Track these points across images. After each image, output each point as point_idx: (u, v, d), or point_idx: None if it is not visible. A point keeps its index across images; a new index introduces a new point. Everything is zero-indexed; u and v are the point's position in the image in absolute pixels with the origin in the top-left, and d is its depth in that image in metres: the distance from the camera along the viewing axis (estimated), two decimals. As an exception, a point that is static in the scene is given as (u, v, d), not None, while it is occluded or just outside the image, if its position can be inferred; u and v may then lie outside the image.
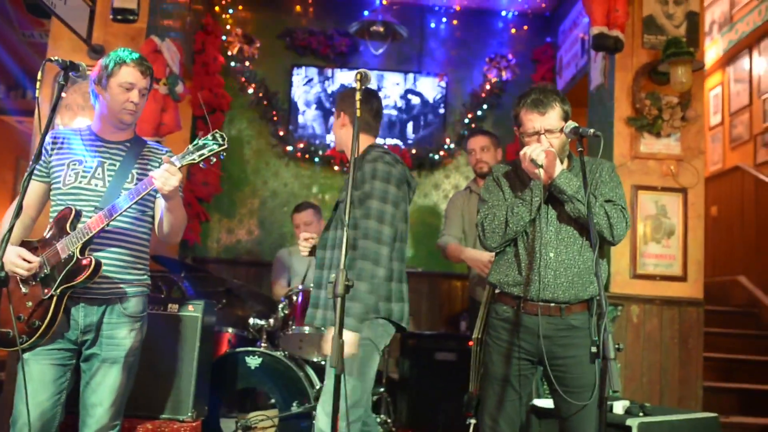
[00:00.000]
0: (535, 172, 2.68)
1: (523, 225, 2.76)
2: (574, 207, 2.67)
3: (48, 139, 2.84)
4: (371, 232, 2.82)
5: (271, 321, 4.10)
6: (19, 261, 2.57)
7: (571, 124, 2.64)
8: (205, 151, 2.57)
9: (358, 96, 2.44)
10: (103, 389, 2.73)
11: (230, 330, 4.41)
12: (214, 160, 2.59)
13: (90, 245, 2.65)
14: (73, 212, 2.68)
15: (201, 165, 2.61)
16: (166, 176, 2.54)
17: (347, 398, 2.74)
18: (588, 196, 2.45)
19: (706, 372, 4.64)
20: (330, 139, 6.43)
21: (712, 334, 5.32)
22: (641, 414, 3.19)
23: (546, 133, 2.72)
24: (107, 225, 2.63)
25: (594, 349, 2.17)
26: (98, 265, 2.61)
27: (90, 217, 2.66)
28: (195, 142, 2.59)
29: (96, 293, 2.71)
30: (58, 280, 2.60)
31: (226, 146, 2.57)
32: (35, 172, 2.76)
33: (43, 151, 2.80)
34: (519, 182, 2.88)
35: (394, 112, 6.56)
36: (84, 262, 2.60)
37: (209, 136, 2.57)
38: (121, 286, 2.77)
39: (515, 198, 2.81)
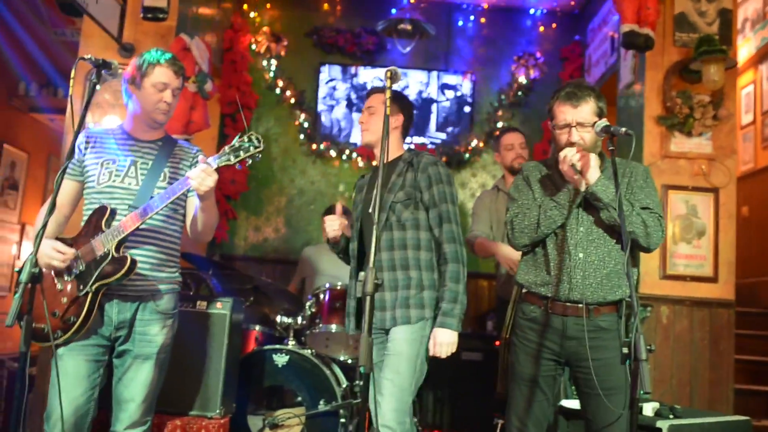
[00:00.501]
0: (574, 177, 2.66)
1: (554, 228, 2.75)
2: (609, 215, 2.65)
3: (81, 138, 2.88)
4: (455, 236, 2.95)
5: (299, 319, 4.11)
6: (53, 253, 2.60)
7: (603, 122, 2.61)
8: (241, 152, 2.58)
9: (388, 94, 2.43)
10: (136, 385, 2.76)
11: (258, 327, 4.43)
12: (250, 161, 2.60)
13: (124, 243, 2.68)
14: (108, 210, 2.71)
15: (237, 166, 2.62)
16: (203, 176, 2.57)
17: (411, 395, 2.88)
18: (620, 197, 2.42)
19: (736, 374, 4.58)
20: (357, 137, 6.43)
21: (742, 336, 5.24)
22: (671, 416, 3.15)
23: (577, 126, 2.70)
24: (142, 223, 2.66)
25: (625, 350, 2.14)
26: (134, 262, 2.64)
27: (124, 216, 2.69)
28: (232, 144, 2.61)
29: (129, 290, 2.74)
30: (94, 277, 2.63)
31: (262, 148, 2.59)
32: (69, 170, 2.82)
33: (77, 150, 2.84)
34: (550, 182, 2.85)
35: (421, 111, 6.54)
36: (120, 259, 2.63)
37: (245, 138, 2.59)
38: (154, 283, 2.80)
39: (548, 199, 2.79)
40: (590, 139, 2.70)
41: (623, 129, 2.49)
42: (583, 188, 2.67)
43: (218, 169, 2.62)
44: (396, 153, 3.10)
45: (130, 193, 2.77)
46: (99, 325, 2.73)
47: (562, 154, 2.68)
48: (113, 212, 2.71)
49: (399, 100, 3.16)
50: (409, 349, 2.87)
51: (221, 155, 2.61)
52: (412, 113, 3.20)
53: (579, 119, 2.70)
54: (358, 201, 3.22)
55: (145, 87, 2.80)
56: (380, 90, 3.11)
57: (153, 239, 2.81)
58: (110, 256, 2.63)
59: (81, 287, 2.65)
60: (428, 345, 2.90)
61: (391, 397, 2.81)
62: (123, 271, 2.62)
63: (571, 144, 2.70)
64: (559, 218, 2.73)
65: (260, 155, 2.60)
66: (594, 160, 2.65)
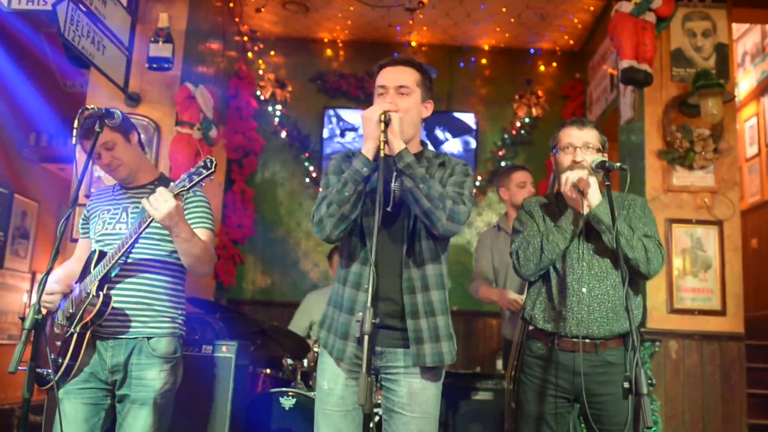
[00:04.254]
0: (575, 199, 2.67)
1: (557, 252, 2.73)
2: (611, 238, 2.62)
3: (88, 201, 3.04)
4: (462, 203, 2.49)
5: (305, 361, 4.10)
6: (45, 294, 2.69)
7: (597, 158, 2.64)
8: (194, 176, 2.58)
9: (381, 127, 2.33)
10: (135, 431, 2.73)
11: (265, 371, 4.42)
12: (204, 184, 2.60)
13: (108, 283, 2.70)
14: (98, 253, 2.77)
15: (193, 191, 2.63)
16: (159, 202, 2.55)
17: None
18: (616, 230, 2.43)
19: (750, 409, 4.51)
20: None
21: (756, 369, 5.18)
22: (682, 452, 3.12)
23: (583, 147, 2.73)
24: (119, 260, 2.69)
25: (627, 385, 2.13)
26: (107, 298, 2.66)
27: None
28: (189, 170, 2.61)
29: (121, 332, 2.75)
30: (77, 318, 2.67)
31: (213, 170, 2.56)
32: (83, 229, 3.00)
33: (85, 210, 2.99)
34: (552, 213, 2.86)
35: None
36: (96, 297, 2.66)
37: (201, 163, 2.58)
38: (150, 325, 2.79)
39: (551, 225, 2.78)
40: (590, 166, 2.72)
41: (618, 164, 2.51)
42: (585, 211, 2.68)
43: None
44: (415, 148, 2.55)
45: (119, 237, 2.77)
46: (92, 367, 2.73)
47: (563, 176, 2.70)
48: (102, 255, 2.75)
49: (430, 84, 2.68)
50: (435, 408, 2.52)
51: (179, 181, 2.61)
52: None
53: (585, 140, 2.74)
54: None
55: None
56: (412, 64, 2.62)
57: (142, 281, 2.80)
58: (90, 295, 2.66)
59: (67, 329, 2.69)
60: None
61: None
62: (96, 309, 2.63)
63: (575, 163, 2.72)
64: (561, 242, 2.72)
65: (212, 177, 2.58)
66: (594, 182, 2.67)
